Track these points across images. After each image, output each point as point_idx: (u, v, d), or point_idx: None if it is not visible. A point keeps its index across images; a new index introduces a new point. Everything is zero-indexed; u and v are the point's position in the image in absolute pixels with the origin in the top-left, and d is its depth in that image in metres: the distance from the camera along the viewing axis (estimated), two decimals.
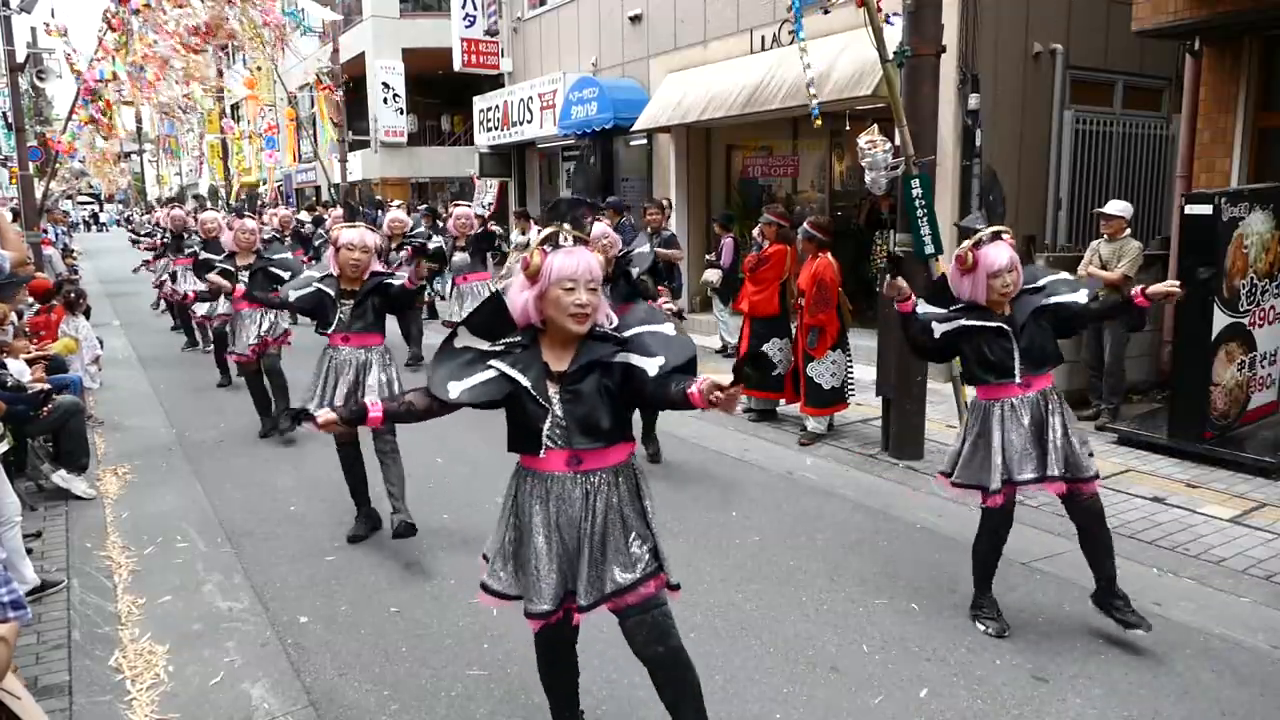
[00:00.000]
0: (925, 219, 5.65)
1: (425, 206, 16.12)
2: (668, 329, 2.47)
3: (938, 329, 3.58)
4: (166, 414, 7.54)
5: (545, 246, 2.36)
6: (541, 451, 2.42)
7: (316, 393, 4.65)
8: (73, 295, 7.97)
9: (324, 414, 2.54)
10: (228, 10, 12.27)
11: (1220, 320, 5.67)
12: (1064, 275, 3.61)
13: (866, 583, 4.14)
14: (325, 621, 3.85)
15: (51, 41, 12.63)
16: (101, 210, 50.74)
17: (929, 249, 5.70)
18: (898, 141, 5.70)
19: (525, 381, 2.39)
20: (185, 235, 10.37)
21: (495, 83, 16.11)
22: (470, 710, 3.18)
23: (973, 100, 7.93)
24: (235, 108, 33.83)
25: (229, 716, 3.17)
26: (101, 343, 8.58)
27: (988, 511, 3.61)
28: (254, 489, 5.59)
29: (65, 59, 12.29)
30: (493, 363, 2.43)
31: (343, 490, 4.83)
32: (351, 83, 20.43)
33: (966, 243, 3.44)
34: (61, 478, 5.35)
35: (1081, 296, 3.47)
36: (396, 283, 4.68)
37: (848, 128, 9.06)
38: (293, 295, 4.76)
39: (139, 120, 45.65)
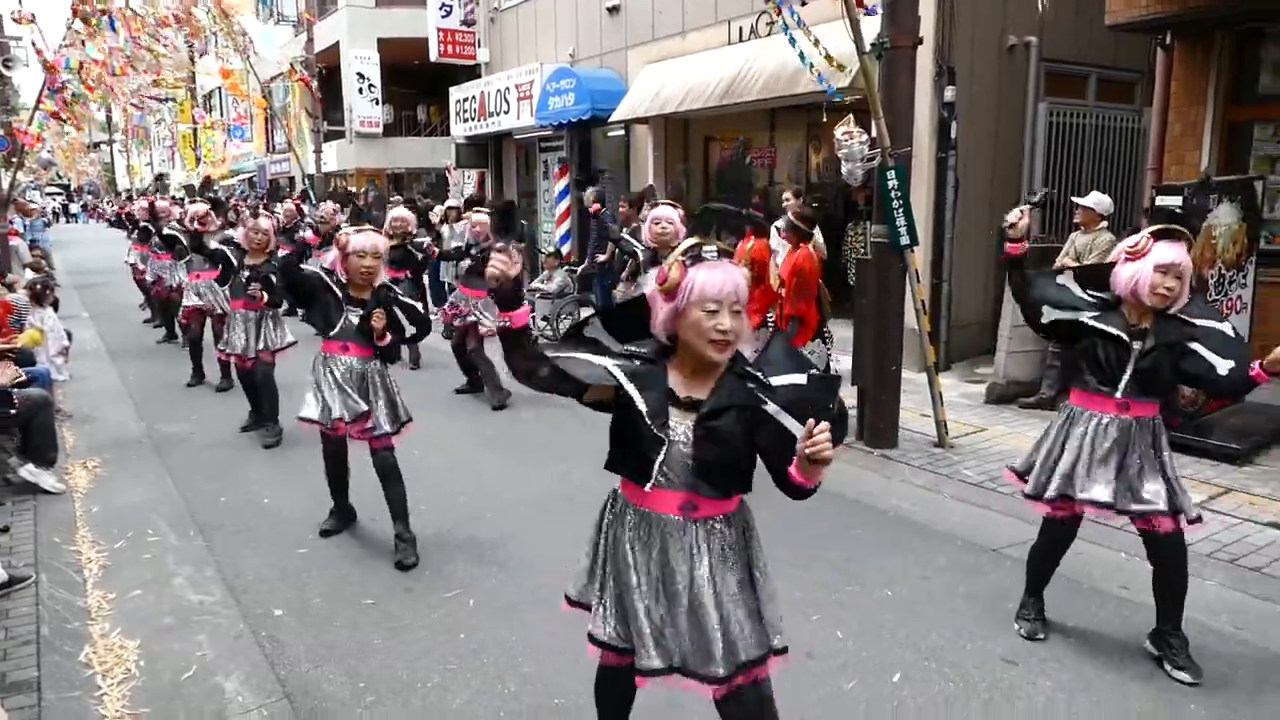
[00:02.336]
0: (901, 210, 5.69)
1: (399, 197, 15.97)
2: (814, 374, 2.15)
3: (1049, 314, 3.34)
4: (136, 406, 7.45)
5: (685, 259, 2.08)
6: (648, 486, 2.14)
7: (319, 402, 4.35)
8: (39, 286, 7.85)
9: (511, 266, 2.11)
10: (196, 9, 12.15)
11: None
12: (1224, 328, 3.18)
13: (841, 570, 4.17)
14: (299, 614, 3.83)
15: (19, 29, 12.41)
16: (71, 201, 50.00)
17: (904, 240, 5.74)
18: (874, 133, 5.72)
19: (641, 404, 2.09)
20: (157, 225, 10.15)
21: (472, 73, 16.00)
22: (446, 701, 3.18)
23: (949, 92, 7.97)
24: (208, 97, 33.43)
25: (201, 710, 3.14)
26: (70, 334, 8.46)
27: (1046, 522, 3.50)
28: (226, 482, 5.54)
29: (32, 47, 12.08)
30: (609, 367, 2.14)
31: (317, 483, 4.79)
32: (326, 72, 20.21)
33: (1145, 230, 3.18)
34: (29, 472, 5.27)
35: (1223, 368, 3.08)
36: (407, 332, 4.41)
37: (824, 119, 9.08)
38: (306, 266, 4.59)
39: (108, 110, 45.08)
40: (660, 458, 2.11)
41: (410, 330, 4.43)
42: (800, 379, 2.11)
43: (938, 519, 4.86)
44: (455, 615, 3.79)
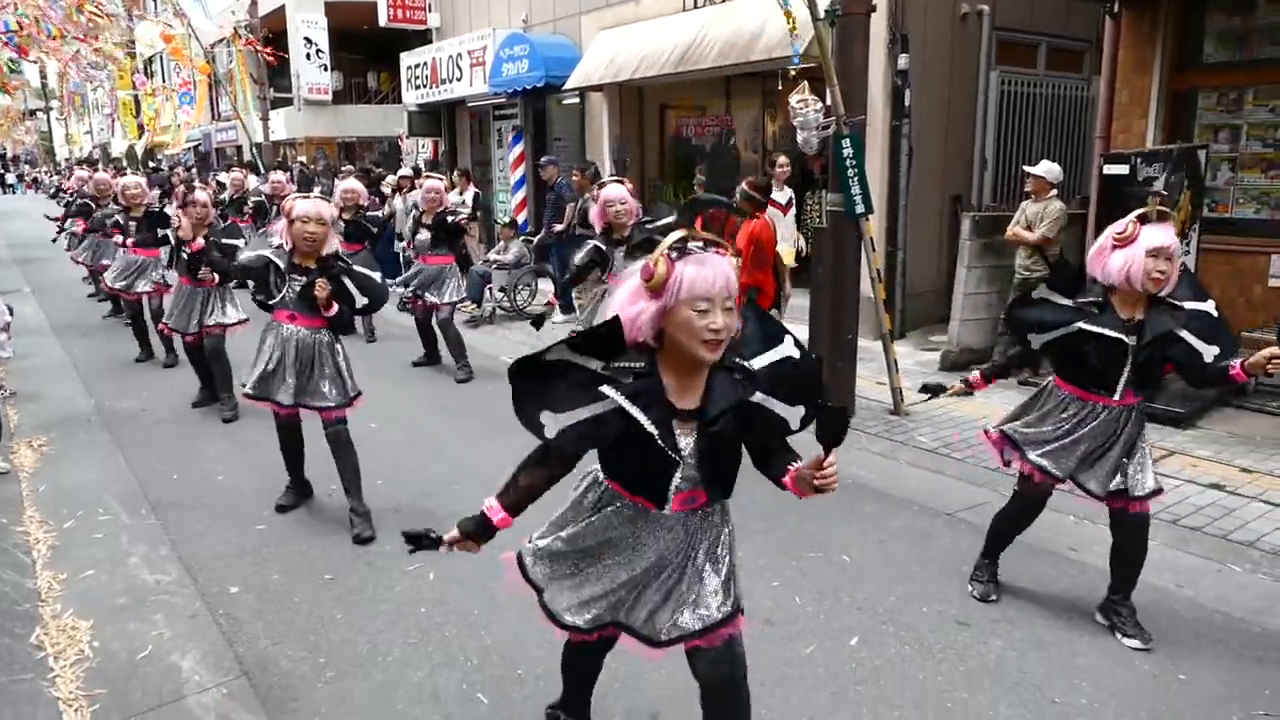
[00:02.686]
0: (856, 179, 5.72)
1: (350, 166, 15.66)
2: (790, 348, 2.09)
3: (1037, 340, 3.28)
4: (84, 383, 7.26)
5: (672, 253, 1.93)
6: (667, 506, 2.09)
7: (259, 370, 4.33)
8: None
9: (450, 535, 2.26)
10: None
11: None
12: (1208, 308, 3.15)
13: (799, 537, 4.23)
14: (257, 591, 3.79)
15: None
16: (7, 171, 48.21)
17: (860, 208, 5.78)
18: (829, 101, 5.72)
19: (651, 428, 1.94)
20: (99, 202, 9.81)
21: (423, 39, 15.67)
22: (407, 675, 3.18)
23: (902, 60, 8.00)
24: (149, 62, 32.34)
25: (158, 690, 3.10)
26: (10, 310, 8.19)
27: (1018, 492, 3.55)
28: (179, 459, 5.44)
29: None
30: (607, 391, 1.96)
31: (272, 459, 4.73)
32: (272, 36, 19.64)
33: (1130, 215, 3.08)
34: None
35: (1208, 355, 3.08)
36: (358, 303, 4.33)
37: (780, 87, 9.07)
38: (241, 258, 4.49)
39: (43, 75, 43.48)
40: (676, 479, 2.05)
41: (361, 301, 4.35)
42: (777, 355, 2.08)
43: (894, 485, 4.95)
44: (416, 588, 3.78)
